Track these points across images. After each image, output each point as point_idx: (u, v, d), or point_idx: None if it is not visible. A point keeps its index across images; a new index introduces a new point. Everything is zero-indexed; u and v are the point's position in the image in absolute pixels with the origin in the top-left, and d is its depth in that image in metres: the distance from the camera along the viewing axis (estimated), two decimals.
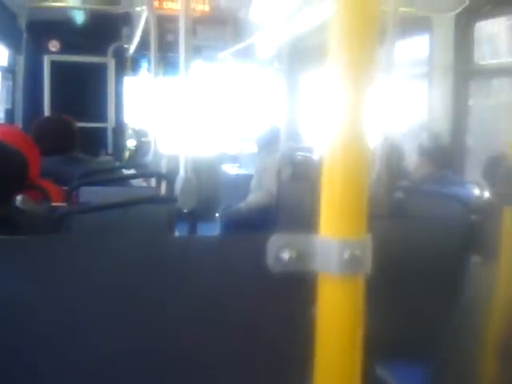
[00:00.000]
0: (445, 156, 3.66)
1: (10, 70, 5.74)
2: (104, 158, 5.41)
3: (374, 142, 2.87)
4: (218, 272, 1.09)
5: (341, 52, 0.69)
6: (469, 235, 2.37)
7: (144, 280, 1.13)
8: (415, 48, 5.08)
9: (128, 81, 7.12)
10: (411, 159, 3.71)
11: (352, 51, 0.68)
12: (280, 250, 0.69)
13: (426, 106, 4.67)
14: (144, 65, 7.05)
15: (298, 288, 0.81)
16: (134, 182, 3.90)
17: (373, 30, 0.69)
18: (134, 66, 7.06)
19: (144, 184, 4.24)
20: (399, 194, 3.00)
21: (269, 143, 5.37)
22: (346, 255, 0.68)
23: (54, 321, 1.13)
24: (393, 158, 3.15)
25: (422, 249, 2.33)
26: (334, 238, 0.68)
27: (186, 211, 2.50)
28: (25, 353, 1.12)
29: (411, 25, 4.03)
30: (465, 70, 4.28)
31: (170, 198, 2.64)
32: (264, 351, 1.10)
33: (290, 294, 0.96)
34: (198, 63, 7.17)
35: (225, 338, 1.11)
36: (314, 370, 0.72)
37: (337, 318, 0.70)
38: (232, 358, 1.11)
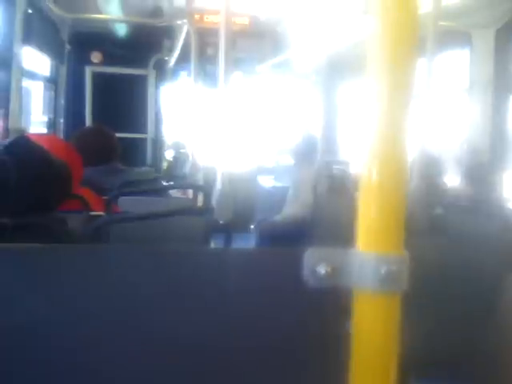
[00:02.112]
0: (484, 172, 3.61)
1: (53, 81, 5.84)
2: (143, 169, 5.48)
3: (413, 156, 2.85)
4: (254, 285, 1.09)
5: (380, 66, 0.69)
6: (508, 253, 2.34)
7: (180, 291, 1.14)
8: (455, 62, 5.04)
9: (167, 93, 7.20)
10: (450, 174, 3.67)
11: (392, 65, 0.69)
12: (316, 264, 0.69)
13: (466, 121, 4.62)
14: (183, 76, 7.13)
15: (333, 303, 0.81)
16: (172, 193, 3.94)
17: (412, 44, 0.69)
18: (174, 78, 7.13)
19: (181, 195, 4.27)
20: (438, 210, 2.97)
21: (305, 156, 5.36)
22: (383, 271, 0.67)
23: (94, 327, 1.15)
24: (432, 172, 3.12)
25: (460, 266, 2.30)
26: (371, 253, 0.68)
27: (221, 223, 2.51)
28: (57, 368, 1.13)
29: (451, 39, 4.00)
30: (505, 85, 4.23)
31: (206, 210, 2.66)
32: (299, 366, 1.10)
33: (326, 308, 0.96)
34: (236, 75, 7.22)
35: (260, 351, 1.11)
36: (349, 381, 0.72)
37: (372, 333, 0.70)
38: (267, 372, 1.11)
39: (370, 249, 0.68)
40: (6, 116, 3.40)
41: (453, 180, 3.86)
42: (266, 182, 7.07)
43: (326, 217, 3.98)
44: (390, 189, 0.69)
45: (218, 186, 2.43)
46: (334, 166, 5.39)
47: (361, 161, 0.71)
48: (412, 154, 2.83)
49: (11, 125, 3.34)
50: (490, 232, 2.65)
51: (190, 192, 4.24)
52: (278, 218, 5.32)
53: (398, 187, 0.69)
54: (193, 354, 1.15)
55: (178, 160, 6.86)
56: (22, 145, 2.01)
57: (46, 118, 5.82)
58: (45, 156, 2.01)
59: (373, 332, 0.70)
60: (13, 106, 3.43)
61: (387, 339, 0.70)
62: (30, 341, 1.11)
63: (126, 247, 1.33)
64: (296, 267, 0.71)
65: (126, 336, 1.15)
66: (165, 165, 6.96)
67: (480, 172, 3.61)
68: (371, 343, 0.70)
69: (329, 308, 0.93)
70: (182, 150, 6.93)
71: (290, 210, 5.26)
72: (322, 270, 0.69)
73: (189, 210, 2.82)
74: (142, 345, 1.15)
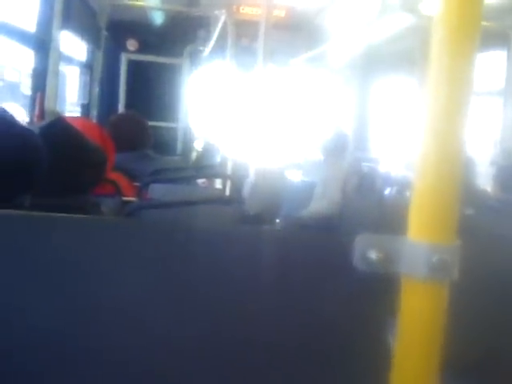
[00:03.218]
0: None
1: (88, 66, 5.89)
2: (173, 158, 5.51)
3: None
4: (300, 268, 1.10)
5: (441, 63, 0.69)
6: None
7: (218, 271, 1.14)
8: (492, 63, 4.98)
9: (200, 83, 7.22)
10: (483, 176, 3.64)
11: (452, 63, 0.68)
12: (367, 249, 0.70)
13: (501, 124, 4.57)
14: (217, 65, 7.13)
15: (381, 289, 0.81)
16: (199, 183, 3.97)
17: (474, 41, 0.69)
18: (208, 67, 7.15)
19: (207, 186, 4.30)
20: (469, 211, 2.94)
21: (335, 152, 5.33)
22: (435, 259, 0.67)
23: (120, 300, 1.16)
24: (465, 173, 3.09)
25: (489, 267, 2.28)
26: (423, 241, 0.68)
27: (251, 214, 2.51)
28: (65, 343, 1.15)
29: (489, 40, 3.95)
30: None
31: (237, 200, 2.67)
32: (344, 351, 1.10)
33: (373, 295, 0.96)
34: (270, 68, 7.21)
35: (304, 336, 1.11)
36: (392, 373, 0.72)
37: (420, 322, 0.70)
38: (313, 357, 1.11)
39: (422, 237, 0.68)
40: (43, 99, 3.43)
41: (485, 181, 3.82)
42: (294, 177, 7.05)
43: (353, 215, 3.96)
44: (444, 178, 0.68)
45: (251, 177, 2.44)
46: (364, 164, 5.36)
47: (416, 150, 0.70)
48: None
49: (47, 107, 3.37)
50: None
51: (217, 183, 4.26)
52: (304, 213, 5.29)
53: (452, 177, 0.69)
54: (225, 335, 1.15)
55: (208, 151, 6.88)
56: (59, 127, 2.03)
57: (80, 103, 5.87)
58: (80, 139, 2.03)
59: (420, 320, 0.70)
60: (49, 89, 3.47)
61: (434, 328, 0.70)
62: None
63: (157, 225, 1.33)
64: (344, 253, 0.72)
65: (147, 316, 1.16)
66: (194, 155, 6.99)
67: None
68: (417, 331, 0.70)
69: (377, 295, 0.93)
70: (211, 141, 6.96)
71: (317, 206, 5.23)
72: (373, 255, 0.69)
73: (219, 199, 2.83)
74: (171, 324, 1.16)
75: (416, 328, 0.70)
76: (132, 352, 1.16)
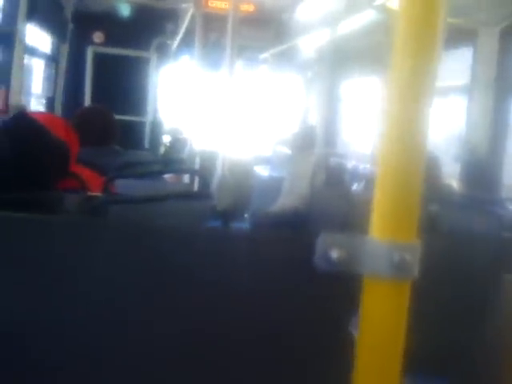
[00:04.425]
0: (482, 171, 3.62)
1: (54, 59, 5.81)
2: (140, 152, 5.46)
3: None
4: (259, 268, 1.09)
5: (403, 56, 0.69)
6: (501, 252, 2.34)
7: (178, 271, 1.14)
8: (457, 60, 5.03)
9: (168, 76, 7.17)
10: (448, 172, 3.68)
11: (414, 55, 0.69)
12: (329, 248, 0.69)
13: (465, 120, 4.62)
14: (185, 58, 7.10)
15: (340, 289, 0.81)
16: (166, 178, 3.93)
17: (436, 34, 0.69)
18: (175, 61, 7.10)
19: (175, 181, 4.26)
20: (434, 207, 2.97)
21: (303, 147, 5.34)
22: (396, 258, 0.68)
23: (81, 302, 1.14)
24: (430, 169, 3.12)
25: (452, 263, 2.30)
26: (385, 240, 0.68)
27: (220, 209, 2.50)
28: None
29: (456, 37, 3.99)
30: (507, 85, 4.23)
31: (207, 195, 2.65)
32: (308, 349, 1.10)
33: (334, 294, 0.96)
34: (238, 63, 7.20)
35: (270, 334, 1.11)
36: (355, 370, 0.72)
37: (381, 321, 0.70)
38: (279, 354, 1.11)
39: (384, 236, 0.69)
40: (7, 92, 3.38)
41: (450, 177, 3.86)
42: (263, 172, 7.06)
43: (321, 209, 3.97)
44: (406, 178, 0.69)
45: (219, 172, 2.43)
46: (332, 158, 5.37)
47: (377, 149, 0.71)
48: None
49: (12, 101, 3.32)
50: (484, 230, 2.65)
51: (185, 178, 4.23)
52: (273, 208, 5.30)
53: (414, 177, 0.69)
54: (189, 334, 1.15)
55: (175, 145, 6.85)
56: (21, 122, 2.00)
57: (45, 96, 5.80)
58: (43, 133, 2.00)
59: (381, 319, 0.70)
60: (14, 82, 3.42)
61: (395, 327, 0.70)
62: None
63: (124, 224, 1.32)
64: (306, 252, 0.71)
65: (117, 315, 1.15)
66: (162, 149, 6.95)
67: (477, 170, 3.61)
68: (379, 330, 0.70)
69: (337, 294, 0.94)
70: (179, 135, 6.92)
71: (286, 201, 5.24)
72: (334, 254, 0.69)
73: (187, 195, 2.81)
74: (136, 324, 1.15)
75: (378, 327, 0.71)
76: (102, 350, 1.15)
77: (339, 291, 0.88)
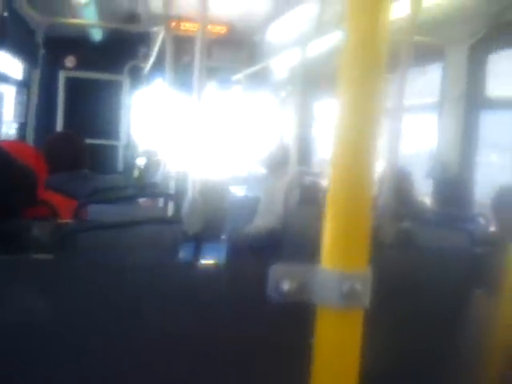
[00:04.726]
0: (453, 187, 3.65)
1: (25, 85, 5.78)
2: (114, 176, 5.43)
3: (383, 169, 2.86)
4: (219, 299, 1.09)
5: (349, 79, 0.70)
6: (473, 267, 2.36)
7: (145, 303, 1.13)
8: (427, 77, 5.09)
9: (141, 99, 7.17)
10: (420, 189, 3.70)
11: (360, 79, 0.69)
12: (280, 280, 0.69)
13: (436, 137, 4.67)
14: (158, 82, 7.10)
15: (297, 318, 0.81)
16: (142, 201, 3.92)
17: (382, 59, 0.70)
18: (148, 84, 7.11)
19: (151, 204, 4.25)
20: (406, 224, 2.98)
21: (278, 166, 5.35)
22: (345, 289, 0.68)
23: (54, 338, 1.13)
24: (401, 186, 3.14)
25: (425, 279, 2.32)
26: (335, 270, 0.68)
27: (190, 233, 2.49)
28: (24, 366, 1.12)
29: (425, 54, 4.04)
30: (476, 101, 4.28)
31: (175, 220, 2.64)
32: (262, 379, 1.10)
33: (289, 324, 0.96)
34: (211, 84, 7.22)
35: (222, 363, 1.11)
36: None
37: (334, 349, 0.70)
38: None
39: (334, 265, 0.69)
40: None
41: (422, 194, 3.89)
42: (238, 192, 7.05)
43: (296, 229, 3.97)
44: (355, 206, 0.69)
45: (189, 195, 2.41)
46: (306, 177, 5.38)
47: (327, 181, 0.71)
48: (382, 168, 2.84)
49: None
50: (456, 246, 2.67)
51: (161, 201, 4.21)
52: (249, 228, 5.28)
53: (363, 206, 0.69)
54: (152, 363, 1.14)
55: (150, 168, 6.82)
56: None
57: (17, 122, 5.76)
58: (8, 161, 1.99)
59: (334, 348, 0.70)
60: None
61: (348, 355, 0.70)
62: None
63: (90, 261, 1.31)
64: (262, 282, 0.71)
65: (84, 350, 1.14)
66: (136, 172, 6.92)
67: (449, 186, 3.64)
68: (333, 359, 0.70)
69: (292, 323, 0.93)
70: (154, 158, 6.89)
71: (262, 221, 5.22)
72: (285, 286, 0.69)
73: (158, 220, 2.80)
74: (102, 361, 1.14)
75: (332, 355, 0.71)
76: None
77: (294, 321, 0.88)
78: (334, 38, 5.17)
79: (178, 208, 3.12)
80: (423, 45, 3.92)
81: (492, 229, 3.13)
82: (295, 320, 0.89)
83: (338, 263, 0.69)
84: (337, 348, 0.70)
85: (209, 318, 1.11)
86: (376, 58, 0.69)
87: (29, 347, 1.12)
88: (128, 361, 1.15)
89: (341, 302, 0.68)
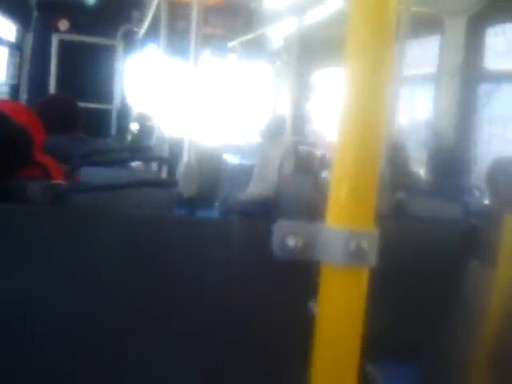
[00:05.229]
0: (448, 159, 3.64)
1: (18, 47, 5.71)
2: (107, 140, 5.39)
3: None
4: (220, 255, 1.08)
5: (359, 47, 0.68)
6: (468, 238, 2.36)
7: (142, 259, 1.12)
8: (424, 48, 5.06)
9: (135, 63, 7.10)
10: (415, 160, 3.70)
11: (370, 46, 0.68)
12: (286, 236, 0.68)
13: (432, 108, 4.65)
14: (151, 47, 7.02)
15: (300, 276, 0.80)
16: (134, 166, 3.89)
17: (391, 26, 0.68)
18: (142, 49, 7.03)
19: (143, 169, 4.23)
20: (401, 195, 2.98)
21: (273, 135, 5.35)
22: (353, 246, 0.67)
23: (41, 297, 1.12)
24: (397, 156, 3.13)
25: (420, 249, 2.32)
26: (342, 228, 0.67)
27: (186, 197, 2.48)
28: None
29: (424, 25, 4.00)
30: (473, 73, 4.26)
31: (171, 183, 2.63)
32: (263, 338, 1.09)
33: (292, 281, 0.95)
34: (206, 52, 7.15)
35: (223, 323, 1.10)
36: (312, 360, 0.71)
37: (338, 309, 0.69)
38: (231, 345, 1.11)
39: (341, 224, 0.68)
40: None
41: (417, 165, 3.88)
42: (233, 160, 7.04)
43: (290, 197, 3.98)
44: (363, 166, 0.68)
45: (184, 159, 2.40)
46: (301, 146, 5.37)
47: (335, 136, 0.69)
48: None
49: None
50: (450, 217, 2.67)
51: (154, 165, 4.19)
52: (242, 195, 5.29)
53: (371, 165, 0.68)
54: (148, 322, 1.13)
55: (143, 132, 6.78)
56: None
57: (9, 84, 5.70)
58: (5, 121, 1.96)
59: (339, 307, 0.69)
60: None
61: (353, 315, 0.70)
62: None
63: (89, 211, 1.30)
64: (265, 239, 0.70)
65: (84, 305, 1.13)
66: (129, 137, 6.88)
67: (444, 158, 3.64)
68: (337, 318, 0.70)
69: (295, 281, 0.93)
70: (147, 123, 6.85)
71: (256, 189, 5.23)
72: (291, 242, 0.68)
73: (154, 182, 2.78)
74: (102, 314, 1.13)
75: (336, 315, 0.70)
76: (68, 343, 1.13)
77: (298, 277, 0.87)
78: (331, 6, 5.11)
79: (171, 172, 3.10)
80: (422, 15, 3.88)
81: (487, 200, 3.14)
82: (297, 278, 0.88)
83: (344, 221, 0.68)
84: (341, 307, 0.69)
85: (211, 272, 1.10)
86: (386, 25, 0.68)
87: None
88: (129, 312, 1.14)
89: (348, 259, 0.67)
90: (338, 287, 0.69)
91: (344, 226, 0.68)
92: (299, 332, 0.79)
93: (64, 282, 1.13)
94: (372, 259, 0.68)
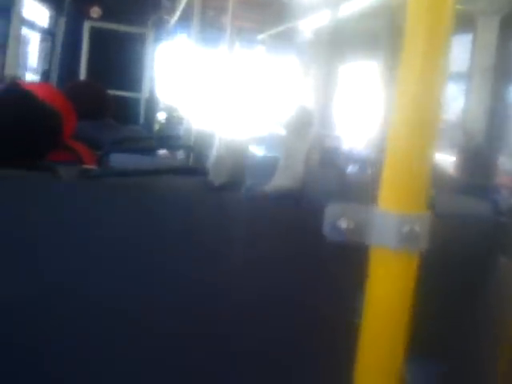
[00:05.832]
0: (479, 157, 3.61)
1: (50, 33, 5.75)
2: (136, 127, 5.42)
3: None
4: (270, 236, 1.08)
5: (416, 41, 0.68)
6: (497, 236, 2.34)
7: (185, 235, 1.13)
8: (457, 47, 5.01)
9: (164, 53, 7.11)
10: (446, 157, 3.67)
11: (428, 39, 0.68)
12: (338, 218, 0.68)
13: (463, 106, 4.62)
14: (182, 36, 7.04)
15: (350, 259, 0.80)
16: (160, 154, 3.92)
17: (449, 16, 0.68)
18: (172, 38, 7.05)
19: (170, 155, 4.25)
20: (431, 192, 2.96)
21: (298, 128, 5.33)
22: (406, 230, 0.66)
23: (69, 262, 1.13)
24: None
25: (448, 247, 2.30)
26: (394, 211, 0.67)
27: (216, 185, 2.50)
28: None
29: (455, 23, 3.97)
30: (505, 72, 4.22)
31: (201, 171, 2.64)
32: (311, 319, 1.09)
33: (342, 264, 0.95)
34: (236, 43, 7.15)
35: (274, 303, 1.10)
36: (360, 343, 0.72)
37: (389, 292, 0.69)
38: (281, 322, 1.11)
39: (393, 207, 0.67)
40: (2, 64, 3.36)
41: (448, 162, 3.85)
42: (258, 152, 7.04)
43: (314, 190, 3.97)
44: (417, 149, 0.68)
45: (216, 148, 2.42)
46: (327, 140, 5.36)
47: (389, 121, 0.69)
48: None
49: (7, 71, 3.29)
50: (480, 215, 2.65)
51: (180, 153, 4.21)
52: (267, 187, 5.28)
53: (424, 148, 0.68)
54: (188, 297, 1.13)
55: (170, 122, 6.81)
56: (15, 91, 1.98)
57: (40, 69, 5.75)
58: (36, 103, 1.98)
59: (388, 290, 0.69)
60: (9, 53, 3.39)
61: (402, 299, 0.69)
62: None
63: (117, 183, 1.31)
64: (314, 222, 0.70)
65: (113, 271, 1.14)
66: (156, 126, 6.91)
67: (475, 156, 3.61)
68: (386, 302, 0.69)
69: (345, 264, 0.93)
70: (174, 114, 6.88)
71: (280, 180, 5.22)
72: (343, 224, 0.68)
73: (184, 170, 2.80)
74: (133, 284, 1.14)
75: (385, 299, 0.70)
76: (95, 318, 1.14)
77: (348, 261, 0.87)
78: (365, 1, 5.09)
79: (198, 161, 3.12)
80: (455, 14, 3.84)
81: None
82: (347, 261, 0.88)
83: (396, 205, 0.67)
84: (391, 290, 0.69)
85: (253, 254, 1.10)
86: (443, 18, 0.69)
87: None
88: (157, 284, 1.14)
89: (400, 243, 0.67)
90: (388, 270, 0.69)
91: (396, 209, 0.67)
92: (347, 315, 0.80)
93: (95, 249, 1.14)
94: (424, 243, 0.68)
